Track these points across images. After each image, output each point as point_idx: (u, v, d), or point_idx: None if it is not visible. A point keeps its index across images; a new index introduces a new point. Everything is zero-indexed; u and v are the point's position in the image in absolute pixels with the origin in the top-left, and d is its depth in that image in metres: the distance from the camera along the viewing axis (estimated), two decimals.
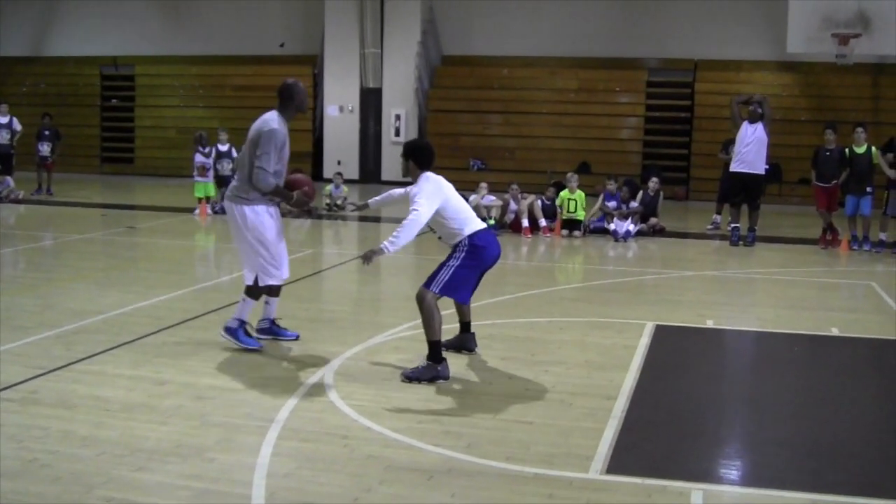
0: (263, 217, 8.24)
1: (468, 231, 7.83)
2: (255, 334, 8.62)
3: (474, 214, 8.10)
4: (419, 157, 7.98)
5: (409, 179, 8.08)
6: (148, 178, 28.32)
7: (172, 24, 29.52)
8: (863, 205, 15.69)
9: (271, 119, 8.20)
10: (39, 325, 9.18)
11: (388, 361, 8.09)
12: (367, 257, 7.70)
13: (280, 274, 8.43)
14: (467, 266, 7.78)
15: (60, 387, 7.21)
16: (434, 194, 7.75)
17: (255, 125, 8.21)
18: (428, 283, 7.70)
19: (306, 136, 27.13)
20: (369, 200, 8.85)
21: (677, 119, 25.93)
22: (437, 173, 8.01)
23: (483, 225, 8.05)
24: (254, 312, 8.57)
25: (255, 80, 27.99)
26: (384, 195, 8.83)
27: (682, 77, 26.10)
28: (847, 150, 15.89)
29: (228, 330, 8.43)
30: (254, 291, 8.44)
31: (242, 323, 8.44)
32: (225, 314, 9.58)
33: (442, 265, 7.78)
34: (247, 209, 8.18)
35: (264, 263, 8.28)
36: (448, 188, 7.95)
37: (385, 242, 7.57)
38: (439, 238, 8.08)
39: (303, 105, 8.49)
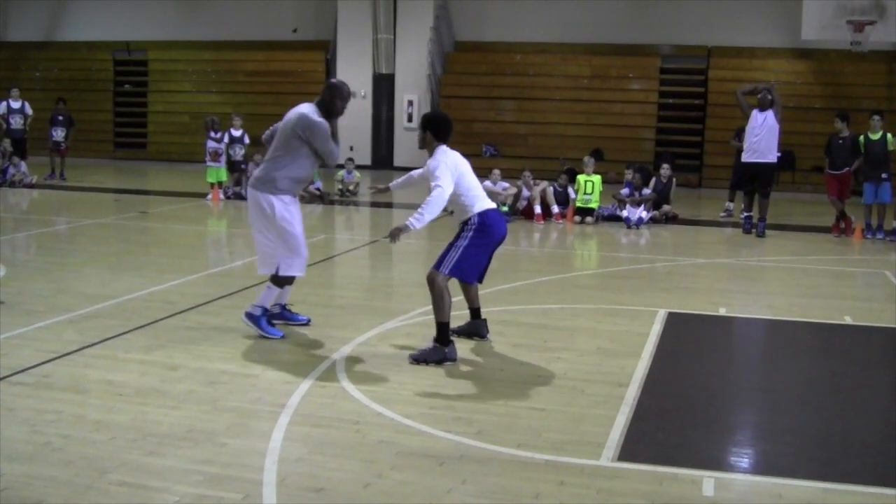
0: (291, 207, 8.25)
1: (478, 209, 7.84)
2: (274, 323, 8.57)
3: (485, 193, 8.08)
4: (437, 129, 7.93)
5: (419, 167, 8.07)
6: (160, 163, 28.38)
7: (185, 10, 29.52)
8: (881, 192, 15.62)
9: (311, 111, 8.14)
10: (52, 309, 9.21)
11: (400, 347, 8.08)
12: (394, 234, 7.73)
13: (301, 264, 8.40)
14: (476, 245, 7.79)
15: (73, 371, 7.23)
16: (451, 167, 7.75)
17: (294, 118, 8.14)
18: (438, 265, 7.72)
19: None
20: (390, 184, 8.87)
21: (690, 106, 25.88)
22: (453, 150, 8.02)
23: (492, 204, 8.04)
24: None
25: (268, 66, 28.07)
26: (404, 178, 8.78)
27: (696, 64, 26.03)
28: (862, 137, 15.82)
29: (251, 316, 8.37)
30: (280, 280, 8.38)
31: (265, 311, 8.39)
32: (237, 299, 9.61)
33: (451, 246, 7.80)
34: (275, 199, 8.15)
35: (290, 254, 8.25)
36: (463, 164, 7.94)
37: (411, 219, 7.56)
38: (450, 213, 8.05)
39: (336, 112, 8.34)
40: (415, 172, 8.61)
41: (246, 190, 19.28)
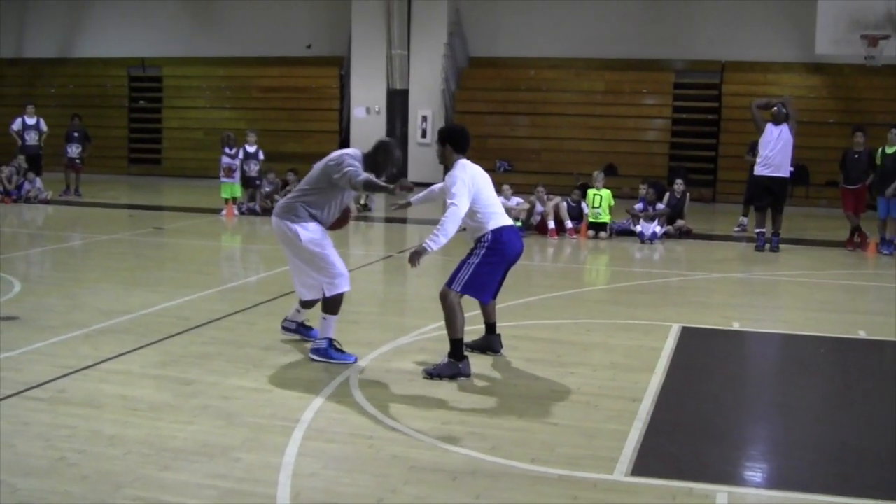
0: (315, 231, 8.07)
1: (493, 226, 7.79)
2: (344, 349, 8.32)
3: (503, 210, 8.04)
4: (456, 142, 7.89)
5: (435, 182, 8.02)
6: (175, 178, 28.45)
7: (200, 26, 29.65)
8: (893, 206, 15.57)
9: (353, 154, 8.01)
10: (67, 324, 9.25)
11: (414, 363, 8.09)
12: (413, 259, 7.66)
13: (345, 279, 8.18)
14: (488, 263, 7.74)
15: (88, 386, 7.26)
16: (469, 184, 7.69)
17: (334, 156, 8.02)
18: (450, 282, 7.70)
19: (333, 137, 27.21)
20: (411, 199, 8.72)
21: (704, 121, 25.82)
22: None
23: (509, 221, 8.00)
24: (282, 310, 8.55)
25: (282, 82, 28.14)
26: (425, 192, 8.69)
27: (710, 79, 25.99)
28: (879, 150, 15.78)
29: (318, 351, 8.17)
30: (329, 305, 8.18)
31: (331, 341, 8.18)
32: (251, 315, 9.63)
33: (463, 262, 7.76)
34: (297, 227, 7.98)
35: (331, 272, 8.09)
36: (482, 178, 7.87)
37: (427, 241, 7.55)
38: (463, 229, 7.97)
39: (382, 172, 8.15)
40: (436, 187, 8.54)
41: (259, 206, 19.35)
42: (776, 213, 15.81)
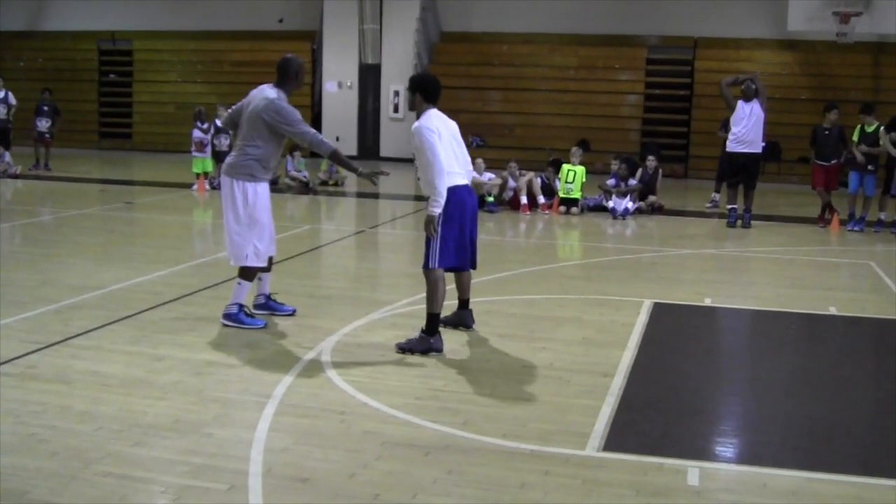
0: (264, 196, 8.24)
1: (448, 184, 7.64)
2: (254, 312, 8.59)
3: (458, 168, 7.83)
4: (426, 90, 7.84)
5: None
6: (146, 153, 28.31)
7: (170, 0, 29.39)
8: (867, 183, 15.66)
9: (277, 97, 8.13)
10: (37, 300, 9.18)
11: (386, 338, 8.07)
12: (428, 229, 7.64)
13: (265, 254, 8.39)
14: (449, 227, 7.67)
15: (58, 362, 7.21)
16: (433, 135, 7.56)
17: (260, 103, 8.10)
18: (426, 264, 7.69)
19: (305, 112, 27.02)
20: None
21: (677, 97, 25.91)
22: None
23: (462, 181, 7.84)
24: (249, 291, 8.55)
25: (254, 56, 27.93)
26: None
27: (682, 55, 26.06)
28: (858, 127, 15.85)
29: (229, 316, 8.34)
30: (248, 273, 8.37)
31: (241, 306, 8.37)
32: (223, 289, 9.58)
33: (427, 240, 7.71)
34: (249, 186, 8.13)
35: (255, 243, 8.23)
36: (446, 132, 7.75)
37: (431, 208, 7.57)
38: (418, 179, 7.87)
39: (300, 81, 8.45)
40: None
41: None
42: (748, 190, 15.89)
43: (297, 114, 8.13)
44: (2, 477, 5.07)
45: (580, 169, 17.10)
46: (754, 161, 15.91)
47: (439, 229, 7.66)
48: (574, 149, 17.70)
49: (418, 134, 7.61)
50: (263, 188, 8.26)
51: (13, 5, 30.83)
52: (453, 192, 7.68)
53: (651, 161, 17.75)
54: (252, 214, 8.17)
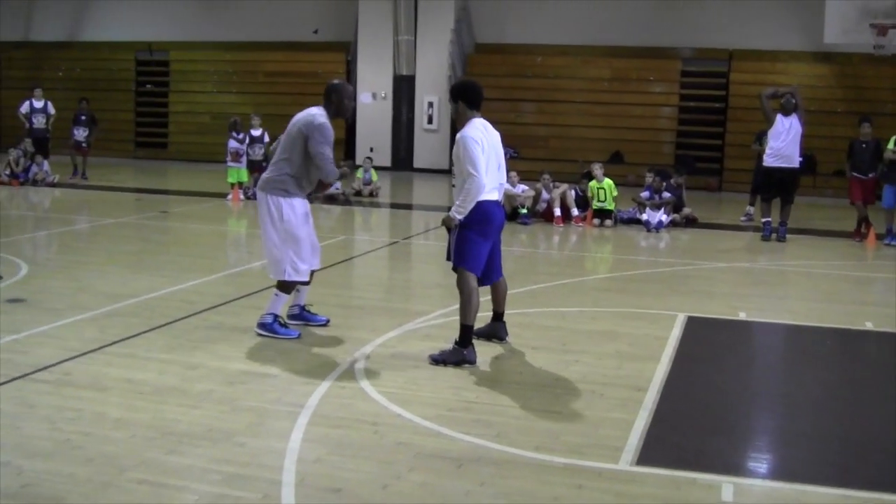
0: (299, 212, 8.24)
1: (479, 197, 7.61)
2: (288, 322, 8.61)
3: (493, 183, 7.76)
4: (469, 97, 7.79)
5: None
6: (181, 163, 28.49)
7: (207, 10, 29.63)
8: None
9: (319, 114, 8.17)
10: (73, 307, 9.25)
11: (419, 349, 8.07)
12: (447, 224, 7.70)
13: (307, 269, 8.41)
14: (473, 230, 7.64)
15: (93, 369, 7.26)
16: (478, 148, 7.52)
17: (301, 119, 8.17)
18: (453, 259, 7.73)
19: (339, 122, 26.97)
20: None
21: (711, 109, 25.79)
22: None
23: (494, 197, 7.78)
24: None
25: (288, 67, 28.14)
26: None
27: (717, 67, 25.93)
28: (892, 140, 15.69)
29: (263, 326, 8.37)
30: (286, 286, 8.40)
31: (276, 317, 8.40)
32: (256, 299, 9.63)
33: (451, 235, 7.73)
34: (283, 202, 8.16)
35: (293, 258, 8.24)
36: (488, 144, 7.66)
37: (454, 211, 7.59)
38: (452, 187, 7.87)
39: (346, 112, 8.48)
40: None
41: None
42: (786, 204, 15.71)
43: (329, 136, 8.15)
44: (37, 482, 5.11)
45: (608, 182, 17.02)
46: (792, 176, 15.71)
47: (470, 234, 7.64)
48: (594, 164, 17.60)
49: (463, 143, 7.57)
50: (300, 203, 8.27)
51: (52, 16, 31.20)
52: (484, 205, 7.65)
53: (676, 179, 17.68)
54: (287, 229, 8.19)
